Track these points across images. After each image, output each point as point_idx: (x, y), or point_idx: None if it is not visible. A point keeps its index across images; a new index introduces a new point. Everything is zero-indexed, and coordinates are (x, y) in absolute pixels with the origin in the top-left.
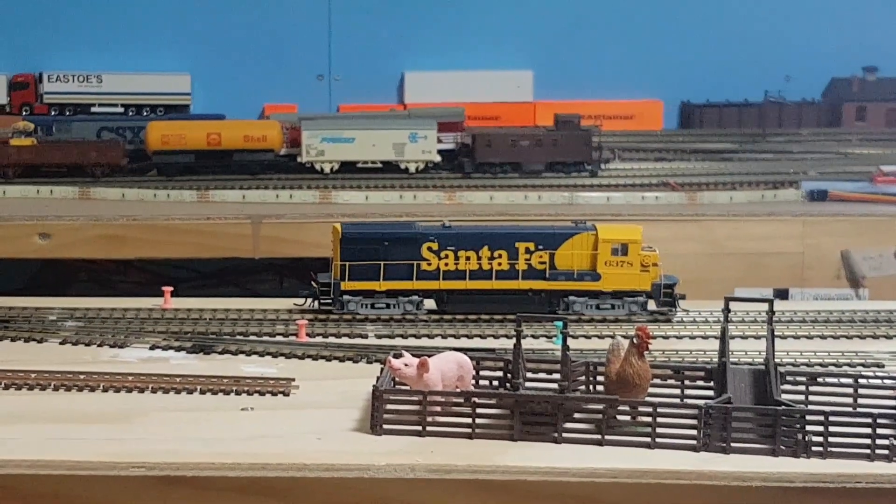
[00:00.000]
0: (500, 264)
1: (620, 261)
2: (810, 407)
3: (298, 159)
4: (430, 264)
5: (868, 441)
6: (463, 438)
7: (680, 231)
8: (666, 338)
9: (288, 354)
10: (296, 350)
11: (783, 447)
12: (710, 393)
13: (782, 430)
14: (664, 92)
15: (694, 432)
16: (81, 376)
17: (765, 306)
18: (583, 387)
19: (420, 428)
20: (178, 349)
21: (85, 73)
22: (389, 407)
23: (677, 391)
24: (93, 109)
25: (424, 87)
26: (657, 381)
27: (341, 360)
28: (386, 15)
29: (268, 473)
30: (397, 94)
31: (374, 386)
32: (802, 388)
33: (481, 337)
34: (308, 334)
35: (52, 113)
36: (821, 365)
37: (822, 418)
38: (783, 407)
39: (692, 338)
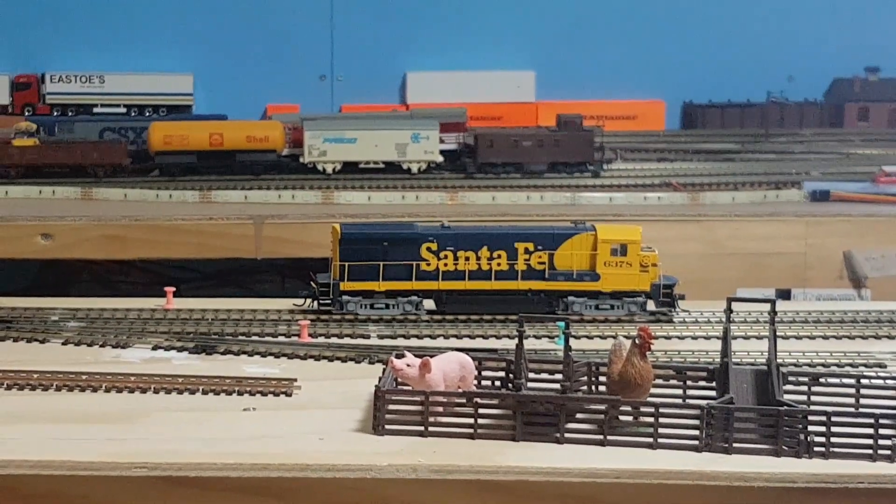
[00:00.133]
0: (499, 265)
1: (620, 261)
2: (812, 407)
3: (301, 160)
4: (429, 265)
5: (870, 441)
6: (465, 439)
7: (682, 231)
8: (668, 338)
9: (290, 355)
10: (298, 350)
11: (785, 447)
12: (713, 393)
13: (784, 430)
14: (666, 92)
15: (696, 433)
16: (84, 377)
17: (767, 307)
18: (585, 387)
19: (422, 428)
20: (181, 349)
21: (87, 73)
22: (391, 407)
23: (679, 391)
24: (95, 110)
25: (427, 88)
26: (659, 381)
27: (343, 360)
28: (388, 15)
29: (270, 474)
30: (399, 95)
31: (376, 386)
32: (804, 388)
33: (483, 337)
34: (310, 335)
35: (55, 113)
36: (823, 365)
37: (824, 419)
38: (785, 407)
39: (694, 338)
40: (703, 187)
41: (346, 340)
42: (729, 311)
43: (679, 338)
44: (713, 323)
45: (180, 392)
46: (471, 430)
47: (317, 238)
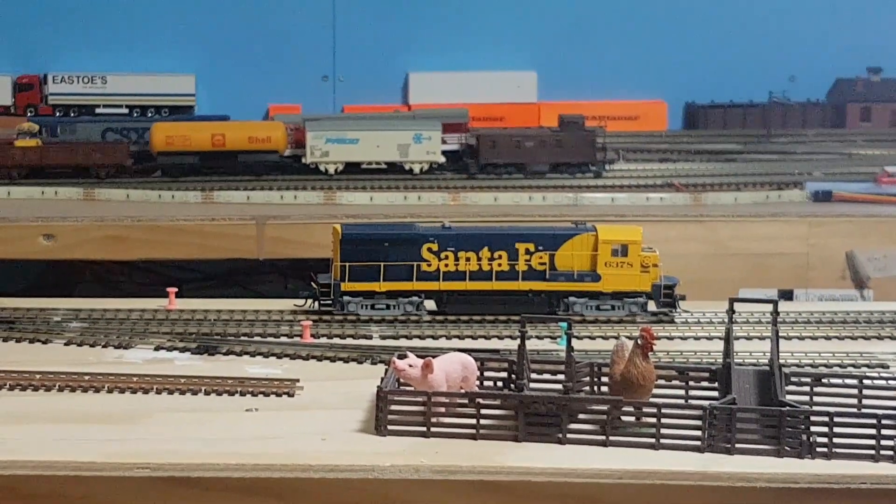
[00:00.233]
0: (500, 265)
1: (620, 262)
2: (815, 408)
3: (303, 160)
4: (430, 265)
5: (873, 442)
6: (467, 439)
7: (684, 232)
8: (670, 339)
9: (292, 355)
10: (300, 351)
11: (787, 448)
12: (715, 394)
13: (787, 430)
14: (668, 93)
15: (698, 433)
16: (86, 377)
17: (769, 307)
18: (587, 387)
19: (424, 428)
20: (183, 350)
21: (89, 74)
22: (394, 407)
23: (681, 392)
24: (97, 110)
25: (429, 88)
26: (661, 381)
27: (345, 360)
28: (390, 16)
29: (272, 474)
30: (402, 95)
31: (378, 386)
32: (807, 388)
33: (484, 338)
34: (312, 335)
35: (57, 114)
36: (825, 366)
37: (826, 419)
38: (788, 408)
39: (696, 339)
40: (705, 188)
41: (348, 341)
42: (731, 311)
43: (681, 338)
44: (715, 323)
45: (182, 392)
46: (473, 431)
47: (319, 238)
